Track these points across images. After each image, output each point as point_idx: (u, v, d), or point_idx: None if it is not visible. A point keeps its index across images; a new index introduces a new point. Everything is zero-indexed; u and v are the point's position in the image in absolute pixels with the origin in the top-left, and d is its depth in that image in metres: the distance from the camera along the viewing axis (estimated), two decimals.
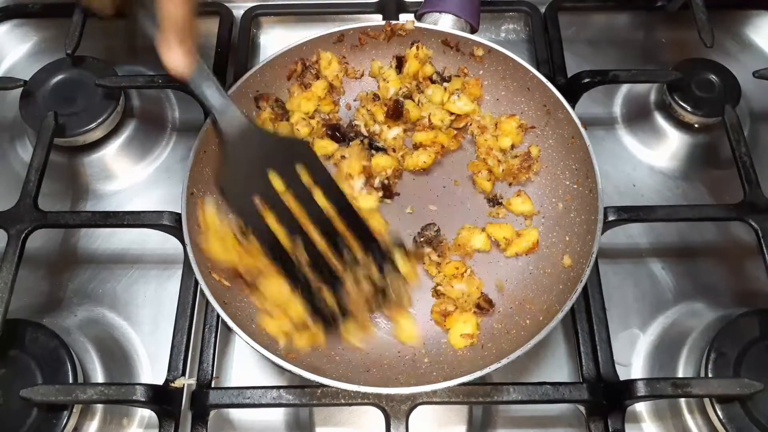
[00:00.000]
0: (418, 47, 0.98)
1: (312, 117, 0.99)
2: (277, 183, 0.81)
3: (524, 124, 0.97)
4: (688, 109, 1.04)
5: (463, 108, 0.98)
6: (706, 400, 0.81)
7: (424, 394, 0.81)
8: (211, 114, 0.82)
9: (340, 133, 0.98)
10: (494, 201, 0.95)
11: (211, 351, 0.85)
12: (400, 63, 1.00)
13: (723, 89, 1.04)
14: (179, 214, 0.85)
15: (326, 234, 0.80)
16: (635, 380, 0.79)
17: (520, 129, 0.97)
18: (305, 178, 0.81)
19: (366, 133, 0.98)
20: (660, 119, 1.08)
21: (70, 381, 0.81)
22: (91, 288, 0.96)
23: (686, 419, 0.85)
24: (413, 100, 0.99)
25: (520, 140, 0.97)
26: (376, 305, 0.81)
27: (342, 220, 0.81)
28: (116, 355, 0.90)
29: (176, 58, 0.74)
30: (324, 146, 0.97)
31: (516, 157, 0.96)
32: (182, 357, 0.84)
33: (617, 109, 1.11)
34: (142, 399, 0.77)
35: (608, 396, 0.81)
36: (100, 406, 0.86)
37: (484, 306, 0.87)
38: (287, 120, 0.98)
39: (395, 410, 0.80)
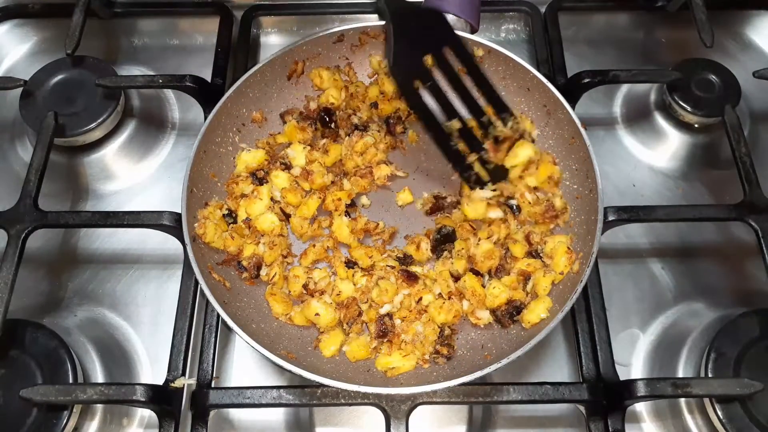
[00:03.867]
0: None
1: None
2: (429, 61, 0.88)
3: (556, 175, 0.94)
4: (688, 109, 1.04)
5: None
6: (706, 400, 0.81)
7: (424, 394, 0.80)
8: None
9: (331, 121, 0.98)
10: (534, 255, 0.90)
11: (211, 351, 0.85)
12: None
13: (723, 89, 1.04)
14: (179, 214, 0.85)
15: (469, 105, 0.89)
16: (635, 380, 0.79)
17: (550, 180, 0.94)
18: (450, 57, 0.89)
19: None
20: (660, 119, 1.08)
21: (70, 381, 0.81)
22: (91, 288, 0.96)
23: (686, 419, 0.85)
24: None
25: (546, 186, 0.94)
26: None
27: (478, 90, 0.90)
28: (116, 355, 0.90)
29: None
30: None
31: (538, 203, 0.92)
32: (182, 357, 0.84)
33: (617, 109, 1.11)
34: (142, 399, 0.77)
35: (608, 396, 0.81)
36: (100, 406, 0.86)
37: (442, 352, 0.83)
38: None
39: (395, 410, 0.80)
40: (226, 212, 0.92)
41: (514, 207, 0.92)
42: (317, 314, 0.84)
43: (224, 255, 0.89)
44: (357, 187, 0.95)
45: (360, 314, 0.86)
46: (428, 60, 0.87)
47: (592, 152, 0.88)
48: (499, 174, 0.91)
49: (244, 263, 0.88)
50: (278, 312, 0.87)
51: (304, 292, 0.88)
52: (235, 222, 0.92)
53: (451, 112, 0.88)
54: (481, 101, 0.90)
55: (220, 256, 0.89)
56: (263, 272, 0.89)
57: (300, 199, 0.94)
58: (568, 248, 0.86)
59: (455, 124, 0.88)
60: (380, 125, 0.99)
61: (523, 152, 0.91)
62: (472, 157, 0.90)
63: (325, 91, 1.00)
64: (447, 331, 0.85)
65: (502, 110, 0.90)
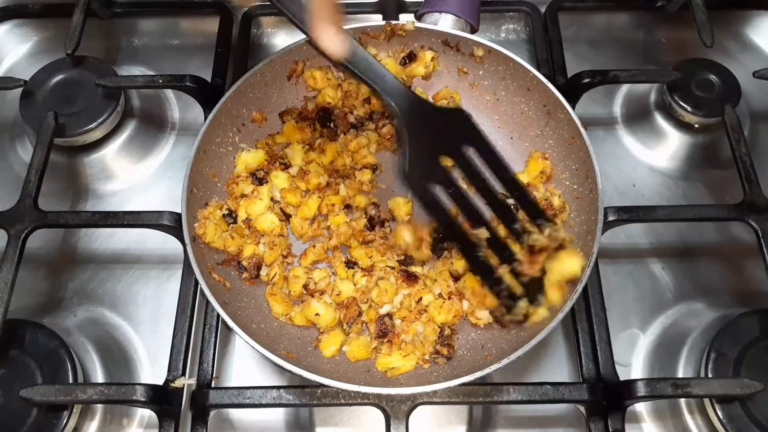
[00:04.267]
0: (433, 58, 0.99)
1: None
2: (449, 162, 0.77)
3: (548, 170, 0.94)
4: (688, 109, 1.04)
5: None
6: (706, 400, 0.81)
7: (424, 394, 0.80)
8: (380, 95, 0.75)
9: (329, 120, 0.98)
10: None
11: (211, 351, 0.85)
12: (410, 58, 1.00)
13: (723, 89, 1.04)
14: (179, 214, 0.85)
15: (498, 211, 0.78)
16: (635, 380, 0.79)
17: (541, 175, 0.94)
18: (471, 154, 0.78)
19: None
20: (660, 119, 1.08)
21: (70, 381, 0.81)
22: (91, 288, 0.96)
23: (686, 419, 0.85)
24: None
25: (538, 182, 0.95)
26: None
27: (509, 194, 0.79)
28: (116, 355, 0.90)
29: (333, 39, 0.70)
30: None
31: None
32: (182, 357, 0.84)
33: (617, 109, 1.11)
34: (142, 399, 0.77)
35: (608, 396, 0.81)
36: (100, 406, 0.86)
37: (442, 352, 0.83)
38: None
39: (395, 410, 0.80)
40: (226, 212, 0.92)
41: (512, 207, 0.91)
42: (317, 314, 0.84)
43: (224, 255, 0.89)
44: (352, 191, 0.95)
45: (360, 314, 0.86)
46: (448, 162, 0.76)
47: (592, 152, 0.88)
48: (535, 288, 0.78)
49: (244, 263, 0.88)
50: (278, 312, 0.87)
51: (304, 292, 0.88)
52: (235, 222, 0.92)
53: (477, 220, 0.77)
54: (513, 206, 0.79)
55: (220, 256, 0.89)
56: (263, 272, 0.89)
57: (300, 200, 0.94)
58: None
59: (482, 233, 0.77)
60: (376, 124, 1.00)
61: (568, 265, 0.78)
62: (503, 270, 0.77)
63: (321, 91, 1.00)
64: (447, 331, 0.85)
65: (538, 216, 0.78)
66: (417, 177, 0.75)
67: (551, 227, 0.78)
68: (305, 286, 0.87)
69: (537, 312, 0.78)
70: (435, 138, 0.77)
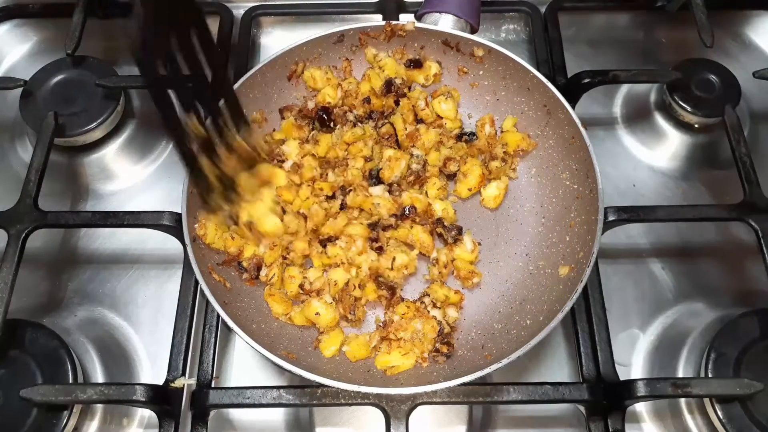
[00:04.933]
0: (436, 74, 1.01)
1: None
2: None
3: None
4: (688, 109, 1.04)
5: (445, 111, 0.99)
6: (706, 400, 0.81)
7: (424, 394, 0.80)
8: None
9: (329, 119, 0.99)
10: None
11: (211, 351, 0.85)
12: (416, 65, 1.00)
13: (723, 89, 1.04)
14: (179, 214, 0.85)
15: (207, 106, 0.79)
16: (635, 380, 0.79)
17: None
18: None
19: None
20: (660, 119, 1.08)
21: (70, 381, 0.81)
22: (91, 288, 0.96)
23: (686, 419, 0.85)
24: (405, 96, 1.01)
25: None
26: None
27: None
28: (116, 355, 0.90)
29: None
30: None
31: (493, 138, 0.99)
32: (182, 357, 0.84)
33: (617, 109, 1.11)
34: (142, 399, 0.77)
35: (608, 396, 0.81)
36: (100, 406, 0.86)
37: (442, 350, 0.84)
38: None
39: (395, 410, 0.80)
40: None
41: (471, 135, 0.99)
42: (317, 313, 0.84)
43: (224, 255, 0.89)
44: (340, 181, 0.94)
45: (356, 300, 0.87)
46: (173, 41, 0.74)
47: (593, 152, 0.88)
48: (230, 185, 0.82)
49: (245, 264, 0.88)
50: (278, 312, 0.87)
51: (301, 291, 0.88)
52: (236, 224, 0.91)
53: (190, 107, 0.77)
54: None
55: (221, 257, 0.89)
56: (263, 273, 0.89)
57: (294, 195, 0.94)
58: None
59: (198, 128, 0.77)
60: (375, 123, 1.00)
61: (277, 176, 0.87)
62: (205, 161, 0.78)
63: (321, 91, 1.00)
64: (446, 329, 0.85)
65: (238, 117, 0.81)
66: (149, 52, 0.71)
67: (246, 129, 0.82)
68: (301, 286, 0.87)
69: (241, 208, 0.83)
70: (165, 15, 0.72)
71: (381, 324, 0.87)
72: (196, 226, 0.87)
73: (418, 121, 1.00)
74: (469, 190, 0.95)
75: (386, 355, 0.83)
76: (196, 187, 0.82)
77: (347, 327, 0.88)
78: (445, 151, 0.97)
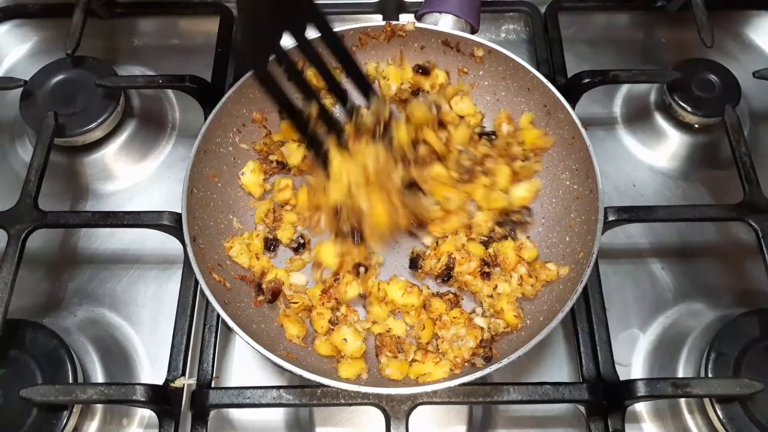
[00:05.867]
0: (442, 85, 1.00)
1: None
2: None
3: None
4: (688, 109, 1.04)
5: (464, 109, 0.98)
6: (706, 400, 0.81)
7: (424, 394, 0.80)
8: None
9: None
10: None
11: (211, 351, 0.85)
12: (424, 71, 0.99)
13: (723, 89, 1.04)
14: (179, 214, 0.85)
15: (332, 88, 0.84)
16: (635, 380, 0.79)
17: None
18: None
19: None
20: (660, 119, 1.08)
21: (70, 381, 0.81)
22: (91, 288, 0.96)
23: (686, 419, 0.85)
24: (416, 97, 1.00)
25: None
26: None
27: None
28: (116, 355, 0.90)
29: None
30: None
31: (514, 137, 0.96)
32: (182, 357, 0.84)
33: (617, 109, 1.11)
34: (142, 399, 0.77)
35: (608, 396, 0.81)
36: (100, 406, 0.86)
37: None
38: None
39: (395, 410, 0.80)
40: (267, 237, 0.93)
41: (491, 134, 0.97)
42: (345, 339, 0.82)
43: (226, 259, 0.89)
44: None
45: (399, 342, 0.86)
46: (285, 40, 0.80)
47: (593, 152, 0.88)
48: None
49: (264, 286, 0.87)
50: (292, 335, 0.85)
51: (331, 327, 0.85)
52: (273, 249, 0.93)
53: (309, 95, 0.83)
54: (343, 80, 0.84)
55: (221, 257, 0.88)
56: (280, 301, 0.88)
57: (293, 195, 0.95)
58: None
59: (312, 108, 0.83)
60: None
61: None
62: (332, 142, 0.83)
63: (321, 91, 0.99)
64: (486, 335, 0.84)
65: (366, 89, 0.85)
66: (251, 51, 0.77)
67: (376, 101, 0.85)
68: (330, 321, 0.86)
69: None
70: (271, 11, 0.77)
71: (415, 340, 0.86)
72: (224, 240, 0.88)
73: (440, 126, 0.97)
74: (501, 191, 0.93)
75: (421, 364, 0.81)
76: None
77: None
78: (482, 149, 0.95)
